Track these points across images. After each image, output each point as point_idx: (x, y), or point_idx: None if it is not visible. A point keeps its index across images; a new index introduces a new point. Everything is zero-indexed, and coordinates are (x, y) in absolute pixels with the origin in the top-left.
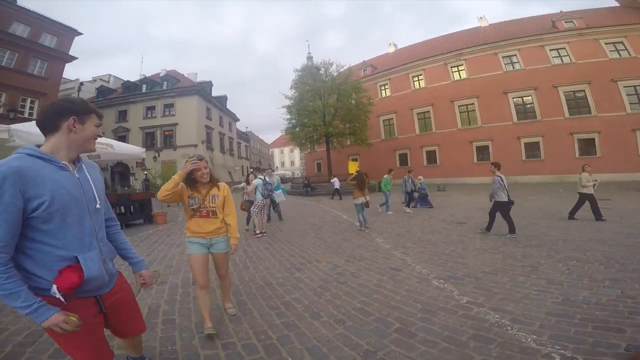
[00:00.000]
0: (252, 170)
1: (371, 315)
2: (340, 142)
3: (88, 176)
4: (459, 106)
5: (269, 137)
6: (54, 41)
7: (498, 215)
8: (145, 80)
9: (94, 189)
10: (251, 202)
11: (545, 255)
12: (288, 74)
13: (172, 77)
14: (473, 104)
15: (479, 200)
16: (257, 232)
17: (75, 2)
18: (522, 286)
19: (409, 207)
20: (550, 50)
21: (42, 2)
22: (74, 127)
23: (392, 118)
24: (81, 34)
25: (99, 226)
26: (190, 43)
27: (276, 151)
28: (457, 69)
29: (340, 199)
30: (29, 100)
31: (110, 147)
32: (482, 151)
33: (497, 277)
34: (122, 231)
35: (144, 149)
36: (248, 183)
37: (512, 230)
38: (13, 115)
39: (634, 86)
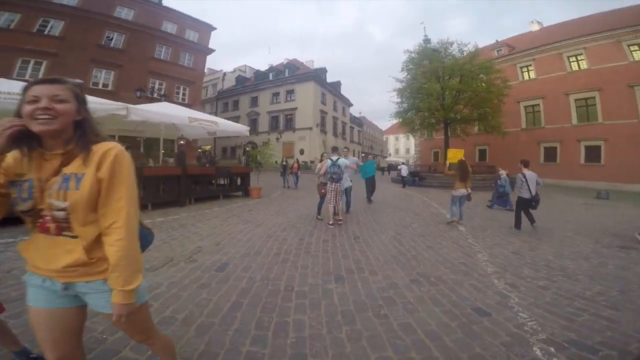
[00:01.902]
0: (333, 148)
1: None
2: (464, 129)
3: None
4: None
5: (383, 124)
6: (196, 36)
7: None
8: (271, 69)
9: None
10: (324, 185)
11: None
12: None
13: (292, 65)
14: None
15: None
16: (330, 222)
17: (223, 9)
18: None
19: None
20: None
21: (184, 2)
22: None
23: (538, 104)
24: (215, 28)
25: None
26: (311, 35)
27: (391, 137)
28: (637, 48)
29: (403, 186)
30: (181, 87)
31: (215, 124)
32: None
33: None
34: None
35: (248, 128)
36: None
37: (517, 226)
38: (140, 94)
39: None
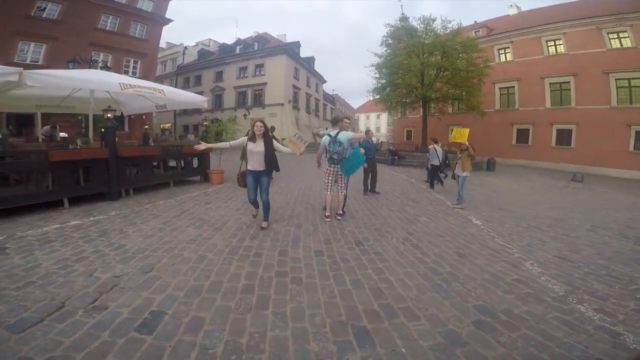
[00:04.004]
0: (333, 120)
1: None
2: (439, 108)
3: None
4: (617, 80)
5: (355, 103)
6: (151, 5)
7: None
8: (239, 42)
9: None
10: (248, 173)
11: None
12: (378, 40)
13: (263, 39)
14: None
15: None
16: (327, 213)
17: None
18: None
19: None
20: None
21: None
22: None
23: (514, 87)
24: None
25: None
26: (283, 10)
27: (362, 116)
28: (616, 36)
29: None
30: (132, 60)
31: (160, 92)
32: None
33: None
34: None
35: (206, 98)
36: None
37: (431, 186)
38: (72, 65)
39: None
